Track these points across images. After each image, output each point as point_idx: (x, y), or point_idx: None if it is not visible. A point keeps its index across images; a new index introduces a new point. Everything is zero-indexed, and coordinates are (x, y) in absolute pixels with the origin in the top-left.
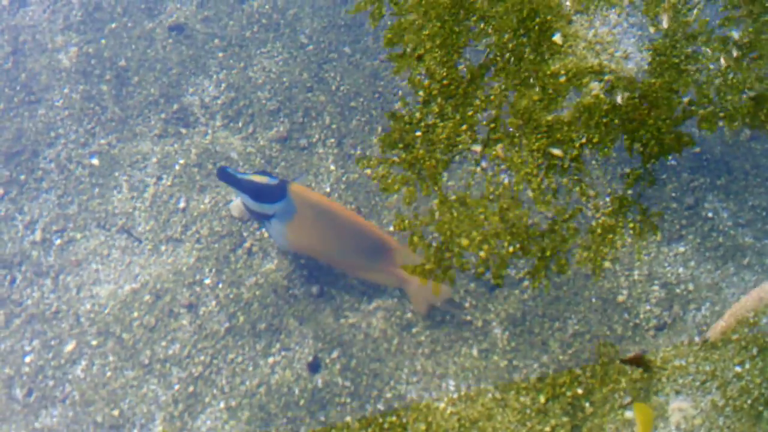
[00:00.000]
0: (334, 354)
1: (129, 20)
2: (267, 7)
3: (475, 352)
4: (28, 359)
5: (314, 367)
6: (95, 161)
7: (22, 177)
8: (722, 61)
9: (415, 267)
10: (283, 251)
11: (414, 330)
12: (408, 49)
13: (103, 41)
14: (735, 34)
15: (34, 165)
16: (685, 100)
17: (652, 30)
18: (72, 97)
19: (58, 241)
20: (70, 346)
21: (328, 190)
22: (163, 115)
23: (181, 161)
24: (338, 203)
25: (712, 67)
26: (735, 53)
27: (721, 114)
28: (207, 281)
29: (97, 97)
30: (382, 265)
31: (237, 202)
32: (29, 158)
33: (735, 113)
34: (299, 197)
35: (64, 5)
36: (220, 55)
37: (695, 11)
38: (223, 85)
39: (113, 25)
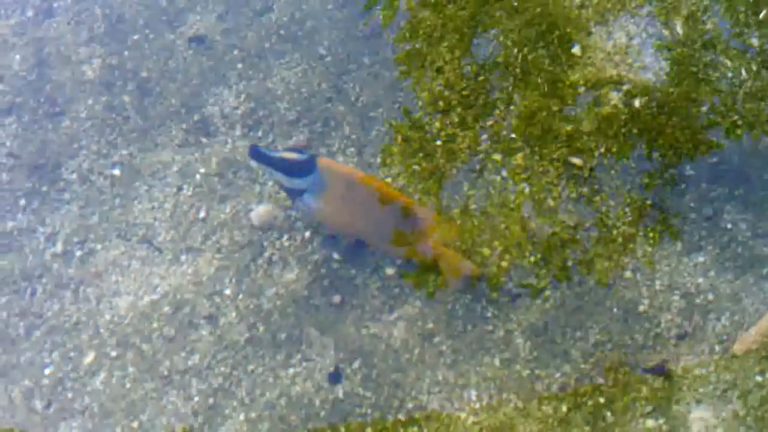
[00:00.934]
0: (356, 364)
1: (151, 32)
2: (285, 19)
3: (497, 361)
4: (47, 371)
5: (335, 377)
6: (117, 172)
7: (44, 188)
8: (743, 72)
9: (448, 238)
10: (315, 226)
11: (435, 340)
12: (427, 62)
13: (125, 53)
14: (754, 42)
15: (57, 176)
16: (704, 109)
17: (665, 33)
18: (95, 108)
19: (79, 253)
20: (89, 358)
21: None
22: (183, 125)
23: (202, 171)
24: (369, 175)
25: (730, 75)
26: (754, 64)
27: (740, 123)
28: (227, 291)
29: (119, 108)
30: (414, 236)
31: (257, 211)
32: (52, 170)
33: (755, 122)
34: (329, 170)
35: (88, 17)
36: (240, 66)
37: (711, 18)
38: (243, 95)
39: (135, 37)
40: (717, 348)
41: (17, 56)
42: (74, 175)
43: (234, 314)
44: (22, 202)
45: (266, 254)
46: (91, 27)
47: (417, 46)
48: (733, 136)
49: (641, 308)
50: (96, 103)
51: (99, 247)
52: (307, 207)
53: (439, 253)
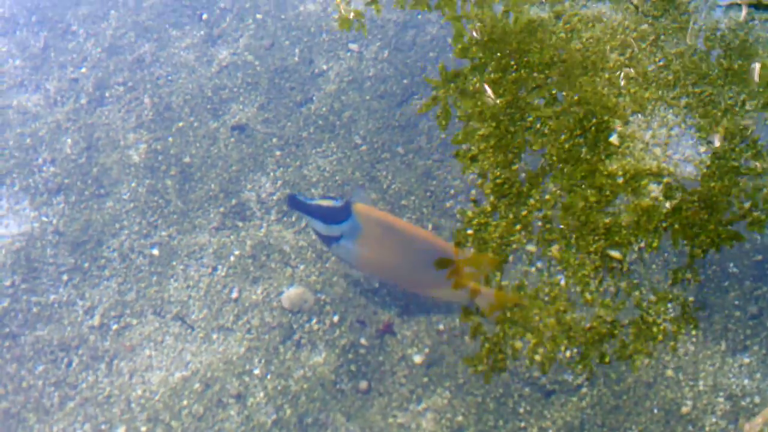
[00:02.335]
0: None
1: (195, 120)
2: (324, 109)
3: None
4: None
5: None
6: (155, 251)
7: (86, 265)
8: None
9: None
10: (353, 271)
11: None
12: (462, 151)
13: (170, 139)
14: None
15: (98, 254)
16: (747, 205)
17: (702, 150)
18: (138, 191)
19: (115, 327)
20: (120, 431)
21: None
22: (221, 209)
23: (236, 252)
24: (402, 219)
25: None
26: None
27: None
28: (256, 371)
29: (161, 191)
30: (449, 277)
31: (288, 294)
32: (94, 247)
33: None
34: (364, 215)
35: (137, 105)
36: (278, 153)
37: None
38: (279, 181)
39: (180, 124)
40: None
41: (69, 140)
42: (115, 253)
43: (262, 394)
44: (65, 277)
45: (295, 337)
46: (140, 114)
47: (452, 135)
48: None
49: (684, 410)
50: (140, 185)
51: (135, 321)
52: (344, 251)
53: (478, 293)
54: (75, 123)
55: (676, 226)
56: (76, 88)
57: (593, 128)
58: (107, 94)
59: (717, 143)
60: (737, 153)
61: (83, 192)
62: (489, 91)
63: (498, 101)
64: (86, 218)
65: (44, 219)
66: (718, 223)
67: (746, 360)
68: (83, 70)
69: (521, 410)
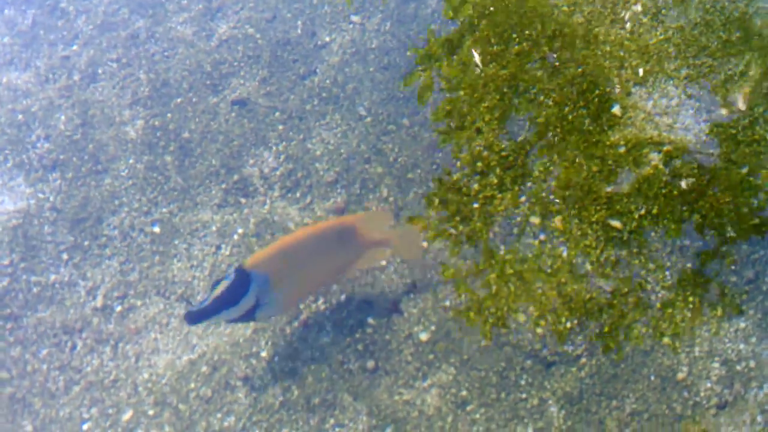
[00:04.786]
0: (389, 431)
1: (194, 95)
2: (327, 81)
3: (530, 430)
4: (85, 426)
5: None
6: (157, 229)
7: (86, 243)
8: None
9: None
10: (287, 313)
11: (469, 408)
12: (466, 122)
13: (168, 115)
14: None
15: (98, 232)
16: (744, 170)
17: (724, 112)
18: (137, 167)
19: (119, 308)
20: (127, 415)
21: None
22: (223, 186)
23: (240, 231)
24: (291, 234)
25: None
26: None
27: None
28: (263, 354)
29: (160, 168)
30: (359, 246)
31: None
32: (93, 225)
33: None
34: (261, 265)
35: (132, 81)
36: (280, 127)
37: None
38: (282, 156)
39: (179, 100)
40: (759, 418)
41: (63, 117)
42: (115, 231)
43: (270, 376)
44: (65, 256)
45: (302, 317)
46: (135, 91)
47: (450, 111)
48: None
49: (680, 376)
50: (138, 162)
51: (139, 303)
52: (269, 310)
53: (386, 241)
54: (68, 100)
55: (676, 192)
56: (67, 65)
57: (596, 99)
58: (100, 71)
59: (741, 105)
60: (736, 121)
61: (80, 168)
62: (477, 58)
63: (485, 71)
64: (84, 195)
65: (40, 196)
66: (717, 190)
67: (742, 325)
68: (75, 47)
69: (523, 382)
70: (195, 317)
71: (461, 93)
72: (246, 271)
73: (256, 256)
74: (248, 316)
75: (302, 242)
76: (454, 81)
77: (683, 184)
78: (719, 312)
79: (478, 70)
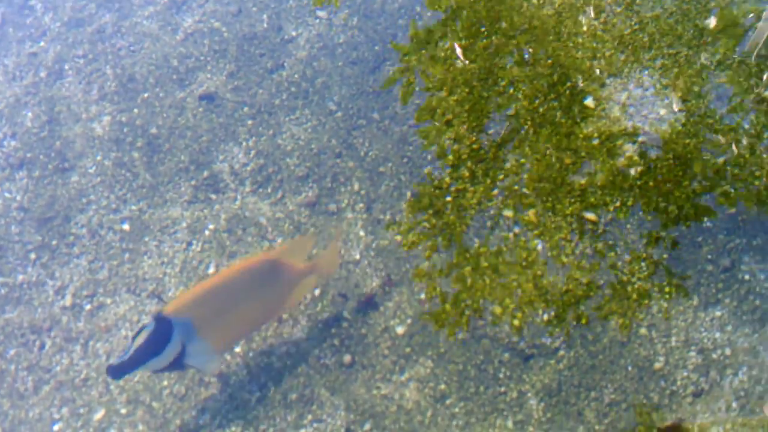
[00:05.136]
0: (367, 426)
1: (161, 90)
2: (296, 76)
3: (510, 423)
4: (56, 427)
5: None
6: (126, 227)
7: (54, 242)
8: (755, 120)
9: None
10: (221, 361)
11: (448, 401)
12: (437, 115)
13: (135, 110)
14: (745, 125)
15: (66, 230)
16: (720, 160)
17: (662, 112)
18: (104, 164)
19: (88, 307)
20: (99, 415)
21: (357, 257)
22: (193, 182)
23: (211, 227)
24: (212, 276)
25: (747, 126)
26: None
27: (758, 174)
28: (237, 349)
29: (128, 164)
30: (286, 279)
31: None
32: (61, 224)
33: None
34: (184, 309)
35: (99, 77)
36: (250, 122)
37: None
38: (253, 151)
39: (146, 95)
40: (734, 405)
41: (29, 114)
42: (84, 230)
43: (245, 372)
44: (32, 255)
45: None
46: (102, 86)
47: (427, 101)
48: (751, 181)
49: (656, 366)
50: (105, 159)
51: (108, 301)
52: (198, 358)
53: (312, 268)
54: (35, 96)
55: (651, 184)
56: (35, 62)
57: (568, 91)
58: (67, 67)
59: (675, 107)
60: (712, 110)
61: (47, 166)
62: (459, 52)
63: (468, 63)
64: (51, 193)
65: (7, 195)
66: (692, 179)
67: (718, 313)
68: (42, 44)
69: (501, 375)
70: (117, 371)
71: (444, 90)
72: (166, 318)
73: (176, 301)
74: (177, 365)
75: (224, 283)
76: (436, 78)
77: (632, 171)
78: (695, 301)
79: (460, 63)
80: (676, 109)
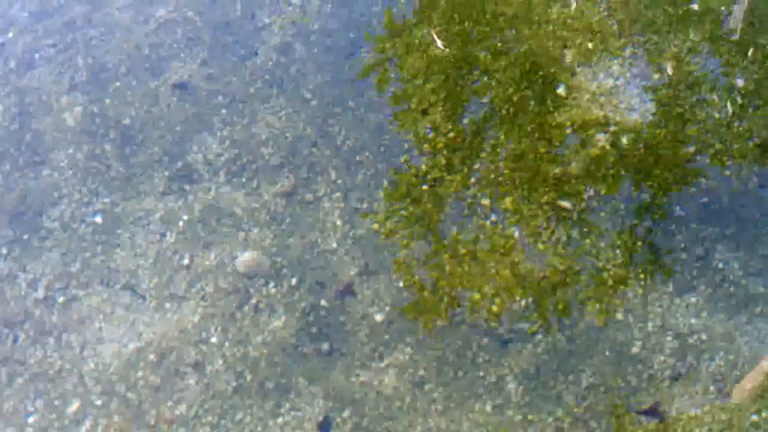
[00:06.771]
0: (346, 413)
1: (133, 79)
2: (270, 64)
3: (488, 407)
4: (31, 419)
5: (325, 427)
6: (98, 219)
7: (26, 236)
8: (729, 107)
9: None
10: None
11: (426, 387)
12: (412, 104)
13: (107, 100)
14: (739, 82)
15: (38, 224)
16: (691, 149)
17: (656, 77)
18: (76, 156)
19: (61, 299)
20: (74, 406)
21: (334, 245)
22: (166, 173)
23: (185, 217)
24: None
25: (717, 116)
26: (740, 100)
27: (728, 162)
28: (213, 339)
29: (101, 156)
30: None
31: (243, 258)
32: (33, 218)
33: (742, 160)
34: None
35: (69, 67)
36: (224, 111)
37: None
38: (227, 141)
39: (117, 84)
40: (711, 388)
41: (0, 107)
42: (56, 223)
43: (221, 362)
44: (4, 249)
45: (252, 301)
46: (73, 76)
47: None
48: (718, 164)
49: (634, 350)
50: (77, 151)
51: (82, 293)
52: None
53: None
54: (4, 88)
55: (624, 172)
56: (3, 53)
57: (540, 80)
58: (37, 57)
59: (670, 71)
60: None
61: (17, 160)
62: (438, 40)
63: (447, 51)
64: (23, 187)
65: None
66: (664, 168)
67: (693, 300)
68: (10, 34)
69: (480, 360)
70: None
71: (419, 77)
72: None
73: None
74: None
75: None
76: (411, 68)
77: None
78: (670, 288)
79: (440, 50)
80: (670, 73)
